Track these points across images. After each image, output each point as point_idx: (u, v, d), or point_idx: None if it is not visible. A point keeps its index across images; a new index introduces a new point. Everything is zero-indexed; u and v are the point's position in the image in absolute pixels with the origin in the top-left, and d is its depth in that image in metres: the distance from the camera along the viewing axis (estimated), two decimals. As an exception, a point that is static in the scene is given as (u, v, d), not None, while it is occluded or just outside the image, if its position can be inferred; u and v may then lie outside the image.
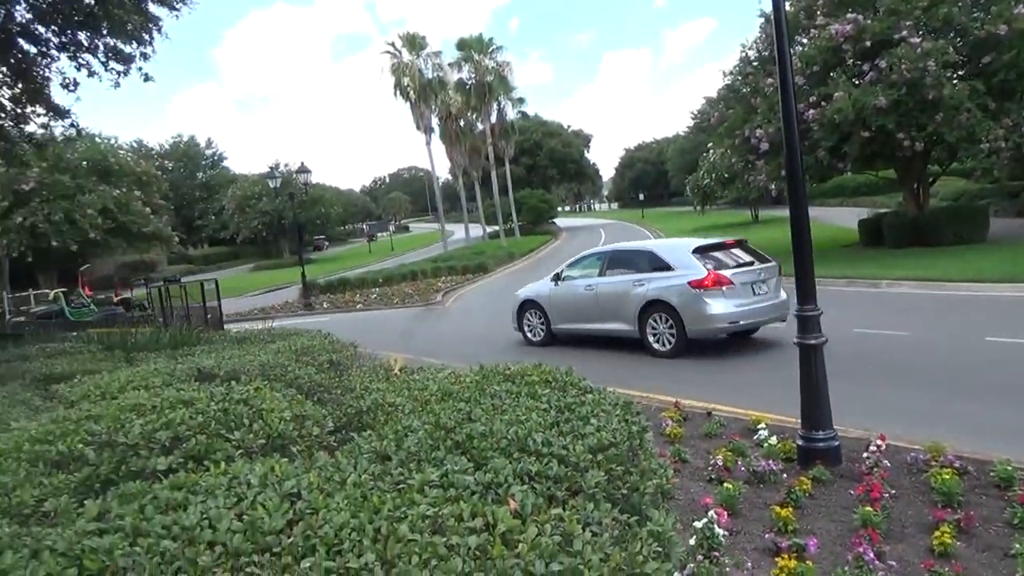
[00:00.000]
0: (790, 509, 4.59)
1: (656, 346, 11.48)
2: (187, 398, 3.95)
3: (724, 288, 10.85)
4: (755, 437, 6.45)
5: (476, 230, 61.47)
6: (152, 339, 10.99)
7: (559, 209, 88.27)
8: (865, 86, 19.05)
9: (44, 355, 9.09)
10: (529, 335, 13.98)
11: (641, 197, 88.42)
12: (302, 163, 28.01)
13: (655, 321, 11.45)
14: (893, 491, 5.03)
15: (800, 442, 5.82)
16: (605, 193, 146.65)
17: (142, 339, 11.03)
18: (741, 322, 11.09)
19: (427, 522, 2.34)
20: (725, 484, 4.98)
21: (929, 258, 19.19)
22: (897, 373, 9.10)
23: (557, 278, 13.44)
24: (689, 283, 10.96)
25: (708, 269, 11.00)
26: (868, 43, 19.41)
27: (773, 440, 6.22)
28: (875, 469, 5.38)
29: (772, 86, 21.10)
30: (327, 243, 68.31)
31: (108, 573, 2.23)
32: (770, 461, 5.59)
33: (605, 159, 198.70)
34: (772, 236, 34.93)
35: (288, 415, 3.82)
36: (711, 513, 4.18)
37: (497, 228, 55.67)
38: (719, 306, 10.83)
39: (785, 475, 5.50)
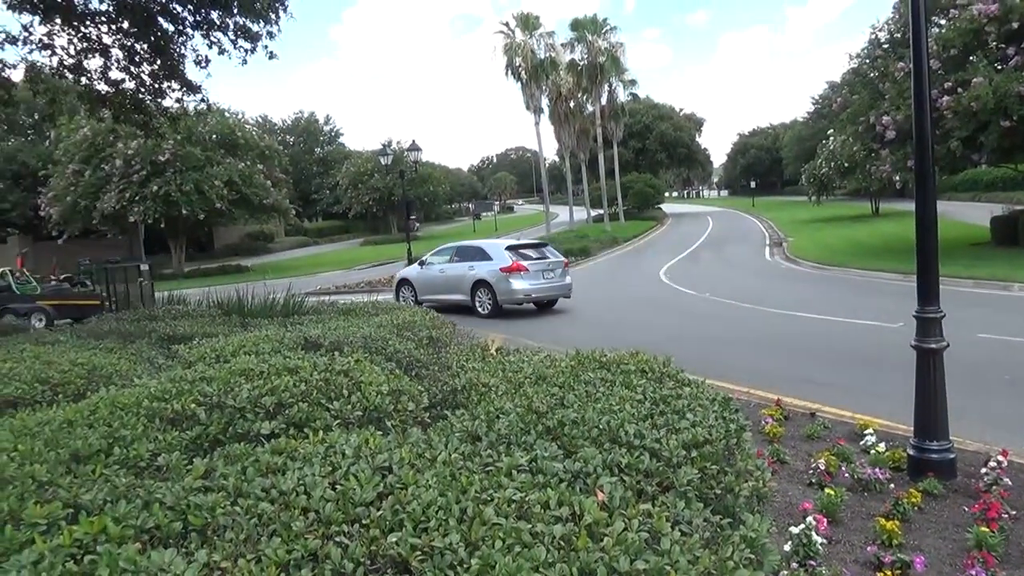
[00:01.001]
0: (896, 522, 4.32)
1: (480, 310, 16.70)
2: (292, 366, 4.11)
3: (522, 273, 16.29)
4: (861, 443, 6.13)
5: (580, 213, 61.12)
6: (267, 306, 11.55)
7: (666, 195, 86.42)
8: (1008, 71, 17.55)
9: (169, 316, 9.72)
10: (402, 303, 17.11)
11: (753, 185, 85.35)
12: (413, 141, 28.64)
13: (480, 294, 16.77)
14: (1013, 512, 4.65)
15: (911, 451, 5.48)
16: (715, 180, 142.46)
17: (257, 305, 11.61)
18: (533, 295, 16.65)
19: (513, 507, 2.34)
20: (826, 490, 4.75)
21: (1073, 261, 17.64)
22: (1026, 384, 8.41)
23: (422, 264, 18.75)
24: (500, 269, 16.34)
25: (513, 260, 16.39)
26: (1015, 25, 17.83)
27: (881, 447, 5.88)
28: (994, 487, 4.99)
29: (903, 71, 19.82)
30: (418, 224, 69.53)
31: (210, 529, 2.35)
32: (876, 469, 5.29)
33: (717, 144, 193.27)
34: (892, 231, 33.09)
35: (385, 389, 3.92)
36: (809, 519, 3.99)
37: (601, 212, 55.13)
38: (519, 284, 16.24)
39: (892, 485, 5.19)
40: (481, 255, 17.08)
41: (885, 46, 22.34)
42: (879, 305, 15.01)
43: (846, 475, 5.29)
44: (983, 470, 5.31)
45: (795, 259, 26.21)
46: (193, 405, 3.53)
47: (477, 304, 16.75)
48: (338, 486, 2.52)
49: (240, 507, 2.41)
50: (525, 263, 16.38)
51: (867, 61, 23.12)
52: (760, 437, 6.25)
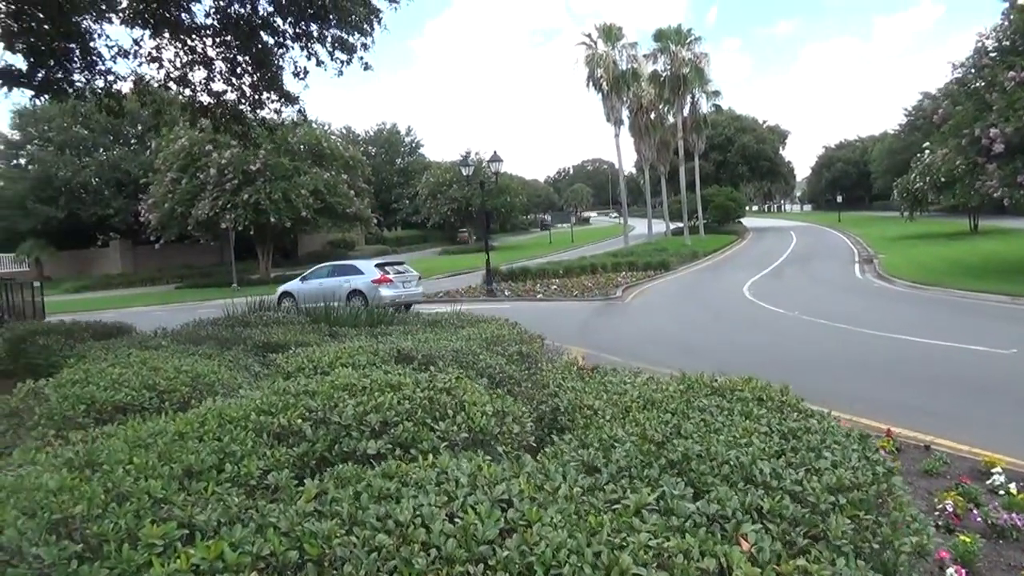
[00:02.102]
0: (1048, 578, 3.89)
1: None
2: (395, 382, 4.02)
3: (389, 283, 20.78)
4: (988, 482, 5.64)
5: (658, 226, 60.20)
6: (353, 315, 11.67)
7: (747, 208, 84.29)
8: None
9: (262, 323, 9.90)
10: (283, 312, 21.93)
11: (839, 199, 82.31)
12: (495, 152, 28.68)
13: (353, 300, 19.01)
14: None
15: (1052, 496, 4.98)
16: (798, 194, 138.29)
17: (343, 315, 11.75)
18: (396, 300, 19.80)
19: (651, 554, 2.14)
20: (962, 537, 4.33)
21: None
22: None
23: (304, 279, 22.83)
24: (372, 280, 20.77)
25: (381, 274, 21.07)
26: None
27: (1012, 488, 5.39)
28: None
29: (1014, 80, 18.66)
30: (472, 238, 69.50)
31: (326, 560, 2.24)
32: (1013, 514, 4.82)
33: (800, 157, 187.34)
34: (994, 249, 31.20)
35: (490, 410, 3.77)
36: (950, 571, 3.62)
37: (680, 225, 54.13)
38: (386, 292, 20.36)
39: (1031, 533, 4.72)
40: (355, 271, 21.93)
41: (993, 55, 21.06)
42: (986, 329, 14.08)
43: (977, 519, 4.85)
44: None
45: (888, 277, 24.96)
46: (299, 420, 3.46)
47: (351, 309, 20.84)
48: (456, 519, 2.37)
49: (356, 537, 2.29)
50: (391, 276, 21.26)
51: (972, 71, 21.86)
52: (874, 471, 5.84)
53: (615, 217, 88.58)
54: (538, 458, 3.14)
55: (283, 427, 3.42)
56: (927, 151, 37.55)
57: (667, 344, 14.66)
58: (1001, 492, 5.40)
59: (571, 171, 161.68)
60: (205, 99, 12.19)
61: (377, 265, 22.19)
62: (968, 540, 4.28)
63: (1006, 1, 20.75)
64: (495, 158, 28.44)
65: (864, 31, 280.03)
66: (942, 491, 5.39)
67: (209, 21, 11.30)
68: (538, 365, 6.97)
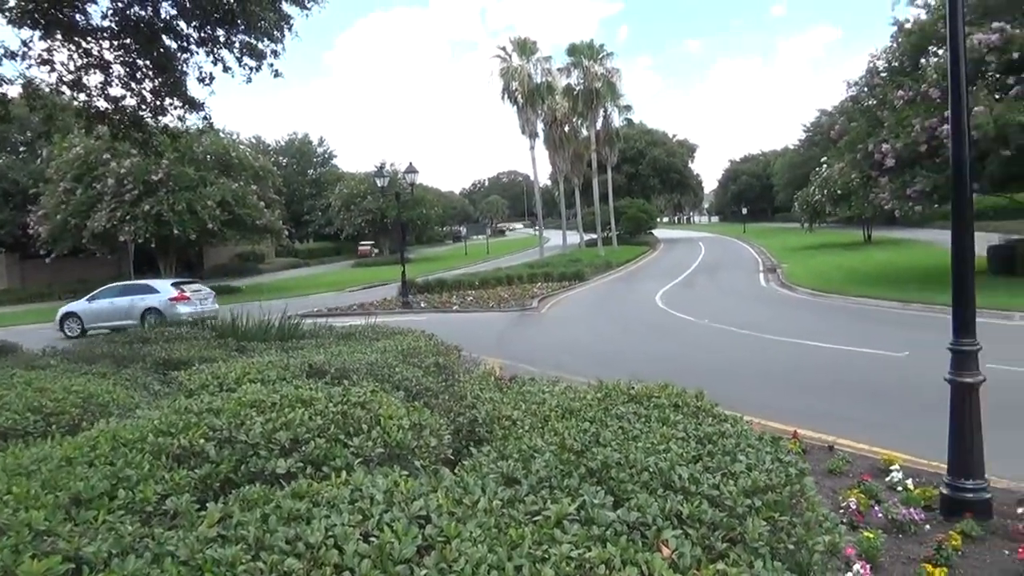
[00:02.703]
0: (944, 569, 4.08)
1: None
2: (306, 397, 3.85)
3: (185, 301, 21.98)
4: (887, 479, 5.90)
5: (573, 237, 61.10)
6: (262, 329, 11.25)
7: (658, 220, 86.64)
8: (1009, 101, 17.59)
9: (163, 339, 9.41)
10: (68, 332, 22.58)
11: (744, 211, 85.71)
12: (410, 163, 28.44)
13: (149, 317, 20.90)
14: (1061, 557, 4.42)
15: (945, 490, 5.25)
16: (706, 206, 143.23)
17: (252, 328, 11.31)
18: (192, 316, 19.22)
19: (573, 566, 2.09)
20: (865, 533, 4.50)
21: (1073, 291, 17.58)
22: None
23: (91, 299, 23.37)
24: (169, 299, 22.07)
25: (179, 291, 22.42)
26: (1015, 55, 17.92)
27: (910, 484, 5.66)
28: (1035, 529, 4.77)
29: (902, 99, 19.87)
30: (375, 252, 68.56)
31: (231, 589, 2.09)
32: (911, 509, 5.05)
33: (709, 170, 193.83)
34: (886, 258, 33.11)
35: (406, 423, 3.66)
36: (856, 567, 3.74)
37: (594, 236, 55.12)
38: (184, 309, 21.31)
39: (927, 526, 4.95)
40: (149, 290, 23.05)
41: (883, 74, 22.40)
42: (881, 333, 14.86)
43: (879, 515, 5.06)
44: (1020, 510, 5.10)
45: (790, 285, 26.10)
46: (202, 440, 3.26)
47: (147, 325, 19.67)
48: (372, 538, 2.27)
49: (263, 562, 2.15)
50: (188, 294, 22.52)
51: (865, 89, 23.17)
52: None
53: (531, 229, 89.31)
54: (457, 471, 3.06)
55: (184, 448, 3.21)
56: (825, 165, 39.51)
57: (583, 353, 14.81)
58: (899, 488, 5.65)
59: (487, 183, 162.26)
60: (102, 104, 11.54)
61: (174, 284, 23.68)
62: (871, 536, 4.44)
63: (895, 24, 22.14)
64: (410, 169, 28.21)
65: (769, 52, 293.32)
66: (845, 489, 5.60)
67: (106, 23, 10.71)
68: (455, 376, 6.89)
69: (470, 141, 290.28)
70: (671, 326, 18.21)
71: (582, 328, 19.15)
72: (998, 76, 18.46)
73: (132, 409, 4.75)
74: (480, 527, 2.32)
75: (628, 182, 73.69)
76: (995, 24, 18.24)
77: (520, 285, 30.60)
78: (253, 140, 75.16)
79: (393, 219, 50.37)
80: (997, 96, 18.17)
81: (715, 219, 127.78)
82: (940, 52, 20.41)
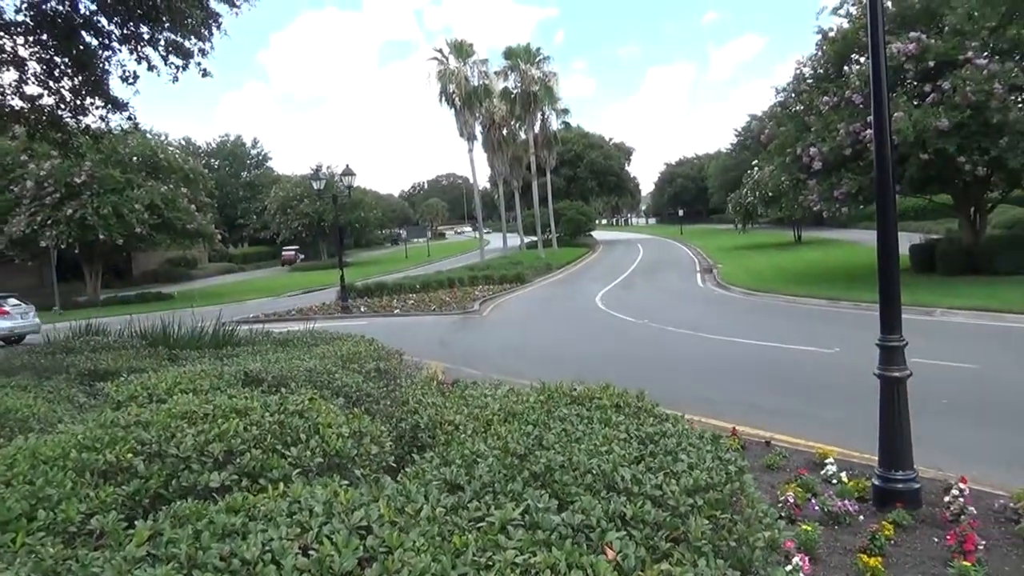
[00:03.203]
0: (879, 558, 4.21)
1: None
2: (241, 407, 3.72)
3: (5, 315, 21.46)
4: (823, 472, 6.07)
5: (513, 240, 61.30)
6: (195, 337, 10.90)
7: (597, 222, 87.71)
8: (926, 107, 18.42)
9: (88, 349, 9.01)
10: None
11: (680, 213, 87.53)
12: (347, 166, 28.01)
13: None
14: (984, 542, 4.61)
15: (876, 482, 5.43)
16: (643, 208, 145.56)
17: (184, 336, 10.94)
18: (15, 332, 21.47)
19: (518, 572, 2.07)
20: (803, 526, 4.61)
21: (986, 287, 18.47)
22: (967, 408, 8.62)
23: None
24: None
25: None
26: (931, 63, 18.80)
27: (844, 476, 5.84)
28: (962, 516, 4.97)
29: (828, 104, 20.59)
30: (301, 256, 67.49)
31: (161, 611, 1.99)
32: (845, 501, 5.20)
33: (645, 173, 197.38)
34: (815, 257, 34.25)
35: (346, 431, 3.58)
36: (796, 560, 3.82)
37: (535, 238, 55.43)
38: (3, 323, 21.18)
39: (862, 517, 5.11)
40: None
41: (810, 81, 23.17)
42: (811, 330, 15.34)
43: (815, 507, 5.20)
44: (946, 499, 5.30)
45: (726, 285, 26.73)
46: (130, 455, 3.11)
47: None
48: (311, 551, 2.19)
49: (196, 582, 2.06)
50: (8, 309, 21.98)
51: (792, 95, 23.93)
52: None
53: (471, 232, 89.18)
54: (399, 479, 2.99)
55: (110, 464, 3.06)
56: (756, 168, 40.66)
57: (526, 355, 14.85)
58: (835, 481, 5.82)
59: (426, 185, 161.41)
60: (17, 103, 10.97)
61: None
62: (808, 528, 4.56)
63: (820, 33, 22.93)
64: (347, 172, 27.82)
65: (700, 58, 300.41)
66: (783, 484, 5.74)
67: (21, 18, 10.19)
68: (397, 381, 6.79)
69: (409, 143, 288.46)
70: (611, 326, 18.41)
71: (524, 330, 19.21)
72: (916, 83, 19.30)
73: (54, 424, 4.52)
74: (423, 536, 2.28)
75: (567, 185, 74.37)
76: (912, 34, 19.09)
77: (461, 288, 30.51)
78: (183, 142, 73.20)
79: (331, 222, 49.55)
80: (915, 102, 18.99)
81: (652, 221, 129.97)
82: (862, 60, 21.23)
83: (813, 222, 46.12)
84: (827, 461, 6.20)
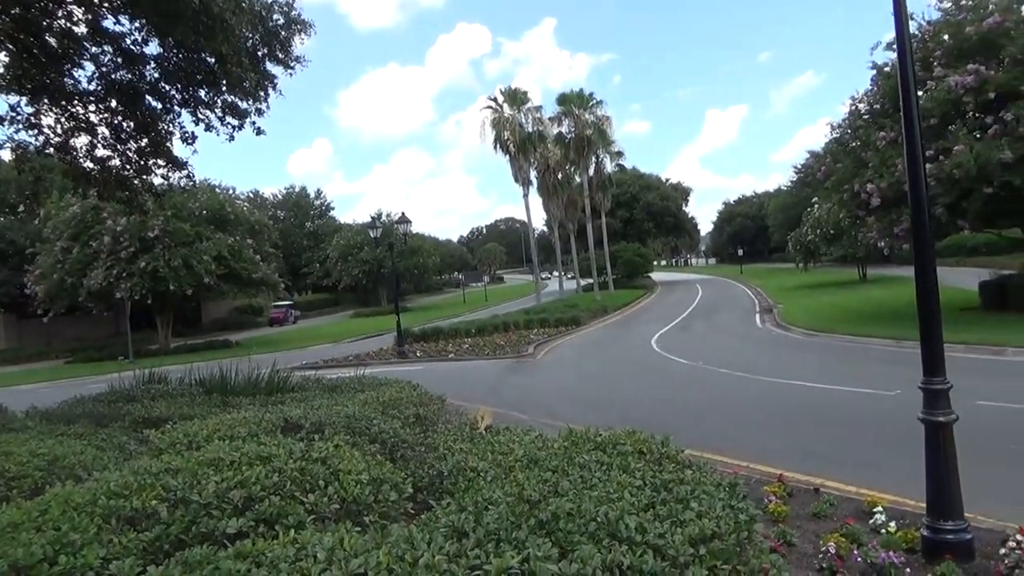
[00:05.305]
0: (920, 614, 4.00)
1: None
2: (266, 454, 3.83)
3: None
4: (871, 521, 5.83)
5: (571, 283, 61.27)
6: (250, 383, 11.22)
7: (655, 263, 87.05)
8: (988, 140, 17.85)
9: (148, 397, 9.37)
10: None
11: (740, 252, 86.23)
12: (402, 214, 28.72)
13: None
14: (1042, 598, 4.35)
15: (925, 532, 5.18)
16: (703, 248, 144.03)
17: (240, 383, 11.27)
18: None
19: (502, 622, 2.07)
20: (840, 577, 4.43)
21: (1063, 325, 17.58)
22: (1035, 454, 8.15)
23: None
24: None
25: None
26: (991, 95, 18.25)
27: (892, 526, 5.60)
28: (1016, 570, 4.70)
29: (884, 139, 20.16)
30: (295, 314, 61.08)
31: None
32: (890, 552, 4.98)
33: (704, 213, 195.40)
34: (880, 296, 33.14)
35: (365, 478, 3.64)
36: (826, 614, 3.68)
37: (591, 281, 55.28)
38: None
39: (908, 570, 4.88)
40: None
41: (866, 116, 22.76)
42: (873, 372, 14.80)
43: (858, 559, 4.99)
44: (1002, 550, 5.02)
45: (786, 326, 26.08)
46: (155, 501, 3.24)
47: None
48: (307, 599, 2.25)
49: (194, 627, 2.13)
50: None
51: (849, 131, 23.51)
52: (765, 517, 5.93)
53: (531, 276, 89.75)
54: (404, 525, 3.03)
55: (136, 510, 3.19)
56: (816, 205, 39.88)
57: (576, 399, 14.74)
58: (883, 531, 5.58)
59: (484, 230, 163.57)
60: (89, 165, 11.72)
61: None
62: (847, 581, 4.38)
63: (874, 68, 22.58)
64: (403, 219, 28.48)
65: (758, 97, 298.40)
66: (827, 533, 5.53)
67: (93, 86, 10.94)
68: (434, 428, 6.85)
69: (468, 190, 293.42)
70: (665, 369, 18.14)
71: (576, 374, 19.09)
72: (976, 116, 18.74)
73: (101, 471, 4.72)
74: (417, 584, 2.31)
75: (623, 226, 74.20)
76: (970, 66, 18.62)
77: (516, 332, 30.56)
78: (251, 194, 76.11)
79: (389, 269, 50.56)
80: (977, 135, 18.44)
81: (712, 261, 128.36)
82: (920, 93, 20.76)
83: (878, 259, 44.80)
84: (875, 510, 5.95)
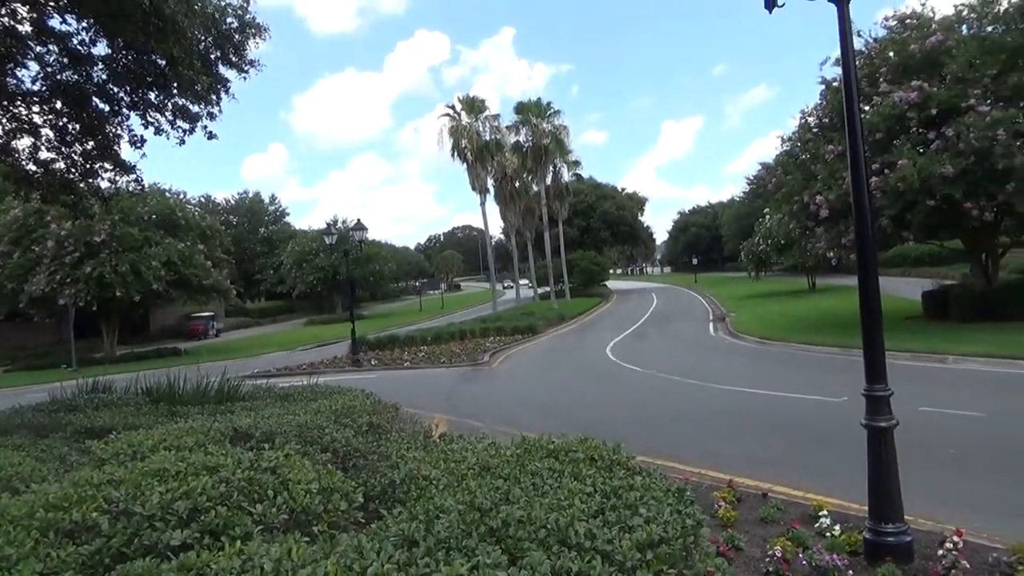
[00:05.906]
0: (861, 615, 4.11)
1: None
2: (213, 464, 3.76)
3: None
4: (816, 525, 5.97)
5: (528, 291, 61.48)
6: (199, 392, 10.97)
7: (611, 271, 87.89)
8: (931, 154, 18.50)
9: (91, 406, 9.10)
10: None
11: (695, 262, 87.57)
12: (358, 220, 28.46)
13: None
14: (977, 598, 4.50)
15: (867, 535, 5.32)
16: (658, 257, 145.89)
17: (189, 391, 11.01)
18: None
19: (450, 630, 2.07)
20: (786, 580, 4.53)
21: (1000, 333, 18.21)
22: (971, 458, 8.45)
23: None
24: None
25: None
26: (934, 111, 18.94)
27: (837, 529, 5.74)
28: (953, 571, 4.86)
29: (833, 153, 20.73)
30: (216, 326, 54.84)
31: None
32: (834, 555, 5.10)
33: (659, 223, 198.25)
34: (829, 305, 33.96)
35: (315, 487, 3.60)
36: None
37: (548, 289, 55.56)
38: None
39: (851, 572, 5.00)
40: None
41: (815, 130, 23.39)
42: (822, 379, 15.17)
43: (803, 562, 5.10)
44: (939, 552, 5.18)
45: (738, 334, 26.56)
46: (95, 514, 3.15)
47: None
48: (251, 611, 2.21)
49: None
50: None
51: (798, 144, 24.12)
52: (714, 522, 6.02)
53: (486, 283, 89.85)
54: (354, 534, 3.01)
55: (75, 523, 3.10)
56: (767, 216, 40.74)
57: (531, 407, 14.78)
58: (828, 535, 5.71)
59: (442, 238, 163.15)
60: (31, 168, 11.36)
61: None
62: (792, 584, 4.47)
63: (823, 83, 23.23)
64: (359, 226, 28.24)
65: (713, 109, 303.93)
66: (774, 537, 5.64)
67: (37, 87, 10.63)
68: (387, 436, 6.79)
69: (425, 198, 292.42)
70: (619, 377, 18.31)
71: (532, 382, 19.14)
72: (919, 131, 19.40)
73: (40, 483, 4.57)
74: (364, 594, 2.29)
75: (580, 235, 74.78)
76: (914, 83, 19.29)
77: (473, 340, 30.52)
78: (202, 199, 74.61)
79: (345, 276, 50.02)
80: (920, 149, 19.09)
81: (667, 269, 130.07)
82: (866, 108, 21.41)
83: (827, 269, 45.93)
84: (821, 514, 6.09)
